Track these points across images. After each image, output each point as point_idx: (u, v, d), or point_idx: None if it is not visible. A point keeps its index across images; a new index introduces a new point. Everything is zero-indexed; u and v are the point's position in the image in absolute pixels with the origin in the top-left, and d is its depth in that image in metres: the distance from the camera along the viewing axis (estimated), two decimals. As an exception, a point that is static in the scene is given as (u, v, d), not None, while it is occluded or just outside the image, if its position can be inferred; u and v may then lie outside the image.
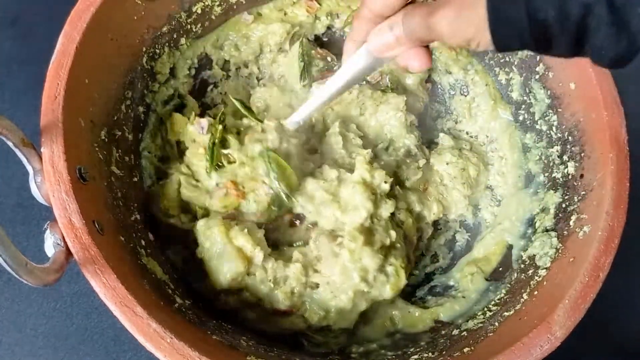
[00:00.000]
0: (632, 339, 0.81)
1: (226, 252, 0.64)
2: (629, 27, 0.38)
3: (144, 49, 0.73)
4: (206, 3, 0.78)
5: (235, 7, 0.82)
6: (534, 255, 0.68)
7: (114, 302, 0.51)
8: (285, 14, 0.84)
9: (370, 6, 0.51)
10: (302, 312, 0.67)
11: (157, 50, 0.75)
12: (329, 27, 0.87)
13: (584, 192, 0.66)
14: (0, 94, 0.88)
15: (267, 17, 0.84)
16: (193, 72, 0.81)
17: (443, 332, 0.69)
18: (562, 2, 0.39)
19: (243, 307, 0.67)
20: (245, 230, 0.64)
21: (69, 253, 0.52)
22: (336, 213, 0.67)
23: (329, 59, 0.82)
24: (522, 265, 0.70)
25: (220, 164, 0.68)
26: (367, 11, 0.52)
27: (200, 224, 0.65)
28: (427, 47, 0.51)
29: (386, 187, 0.69)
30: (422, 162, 0.78)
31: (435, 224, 0.81)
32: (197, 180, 0.70)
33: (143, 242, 0.65)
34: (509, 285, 0.70)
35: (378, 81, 0.81)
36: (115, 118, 0.68)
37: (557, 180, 0.72)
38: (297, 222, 0.70)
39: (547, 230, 0.69)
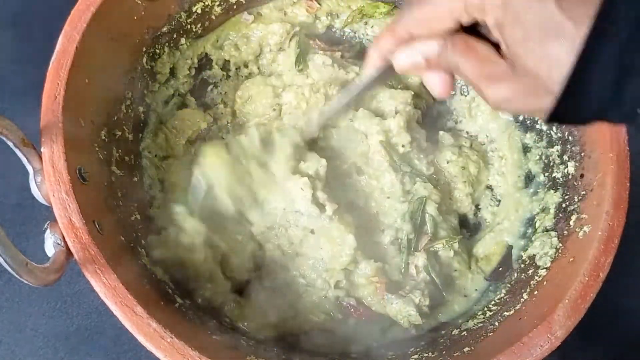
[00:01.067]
0: (632, 339, 0.81)
1: None
2: None
3: (144, 49, 0.73)
4: (206, 3, 0.78)
5: (235, 7, 0.82)
6: (534, 255, 0.68)
7: (114, 302, 0.51)
8: (285, 14, 0.84)
9: (410, 29, 0.47)
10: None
11: (157, 50, 0.75)
12: (329, 27, 0.87)
13: (584, 192, 0.66)
14: (0, 94, 0.88)
15: (267, 17, 0.84)
16: (193, 72, 0.81)
17: (443, 332, 0.69)
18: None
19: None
20: None
21: (69, 253, 0.52)
22: None
23: (336, 55, 0.82)
24: (522, 265, 0.70)
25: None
26: (404, 32, 0.48)
27: None
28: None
29: None
30: (431, 157, 0.78)
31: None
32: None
33: (143, 242, 0.65)
34: (509, 285, 0.70)
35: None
36: (115, 118, 0.68)
37: (557, 180, 0.72)
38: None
39: (547, 230, 0.69)
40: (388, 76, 0.58)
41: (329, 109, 0.70)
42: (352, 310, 0.69)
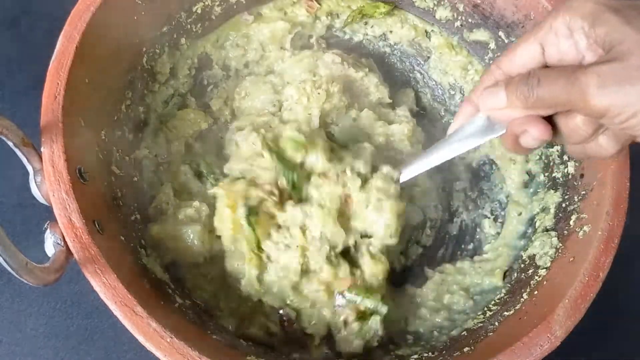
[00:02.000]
0: (632, 338, 0.81)
1: None
2: None
3: (144, 49, 0.73)
4: (206, 3, 0.78)
5: (235, 7, 0.82)
6: (534, 255, 0.68)
7: (114, 301, 0.51)
8: (285, 13, 0.84)
9: (499, 63, 0.47)
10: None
11: (157, 50, 0.75)
12: (329, 27, 0.87)
13: (584, 192, 0.66)
14: (0, 94, 0.88)
15: (267, 17, 0.84)
16: (193, 72, 0.81)
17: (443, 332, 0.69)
18: None
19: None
20: None
21: (69, 253, 0.52)
22: None
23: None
24: (522, 265, 0.70)
25: None
26: (496, 68, 0.48)
27: None
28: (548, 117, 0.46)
29: None
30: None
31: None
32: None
33: (143, 242, 0.65)
34: (509, 285, 0.70)
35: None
36: (115, 118, 0.68)
37: (557, 180, 0.72)
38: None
39: (547, 230, 0.69)
40: (488, 134, 0.52)
41: (419, 164, 0.63)
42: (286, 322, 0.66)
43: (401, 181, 0.66)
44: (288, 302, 0.65)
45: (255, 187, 0.65)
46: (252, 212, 0.63)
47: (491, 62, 0.82)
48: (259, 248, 0.64)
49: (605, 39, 0.41)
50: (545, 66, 0.46)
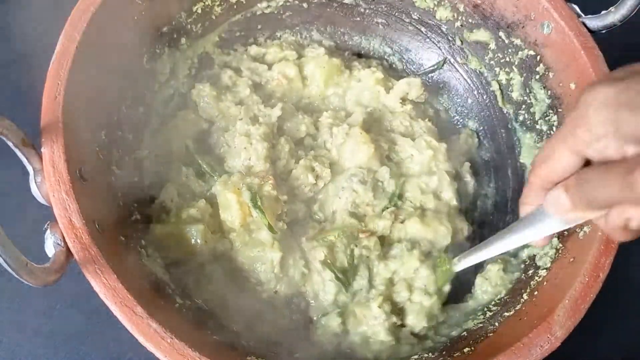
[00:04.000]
0: (632, 339, 0.81)
1: None
2: None
3: (144, 49, 0.73)
4: (206, 3, 0.78)
5: (235, 7, 0.82)
6: (534, 255, 0.68)
7: (114, 302, 0.51)
8: (286, 13, 0.84)
9: (537, 172, 0.49)
10: None
11: (157, 50, 0.75)
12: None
13: (584, 192, 0.66)
14: (0, 94, 0.88)
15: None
16: (193, 72, 0.81)
17: (443, 332, 0.69)
18: None
19: None
20: None
21: (69, 253, 0.52)
22: None
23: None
24: (522, 265, 0.70)
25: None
26: (535, 177, 0.49)
27: None
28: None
29: None
30: None
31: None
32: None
33: (143, 242, 0.65)
34: (509, 286, 0.70)
35: None
36: (115, 118, 0.68)
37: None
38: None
39: (547, 230, 0.69)
40: (543, 229, 0.52)
41: (476, 255, 0.64)
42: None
43: (457, 270, 0.67)
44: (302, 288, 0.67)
45: (251, 175, 0.69)
46: (256, 197, 0.66)
47: (492, 62, 0.82)
48: (272, 231, 0.66)
49: (636, 134, 0.40)
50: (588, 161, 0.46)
